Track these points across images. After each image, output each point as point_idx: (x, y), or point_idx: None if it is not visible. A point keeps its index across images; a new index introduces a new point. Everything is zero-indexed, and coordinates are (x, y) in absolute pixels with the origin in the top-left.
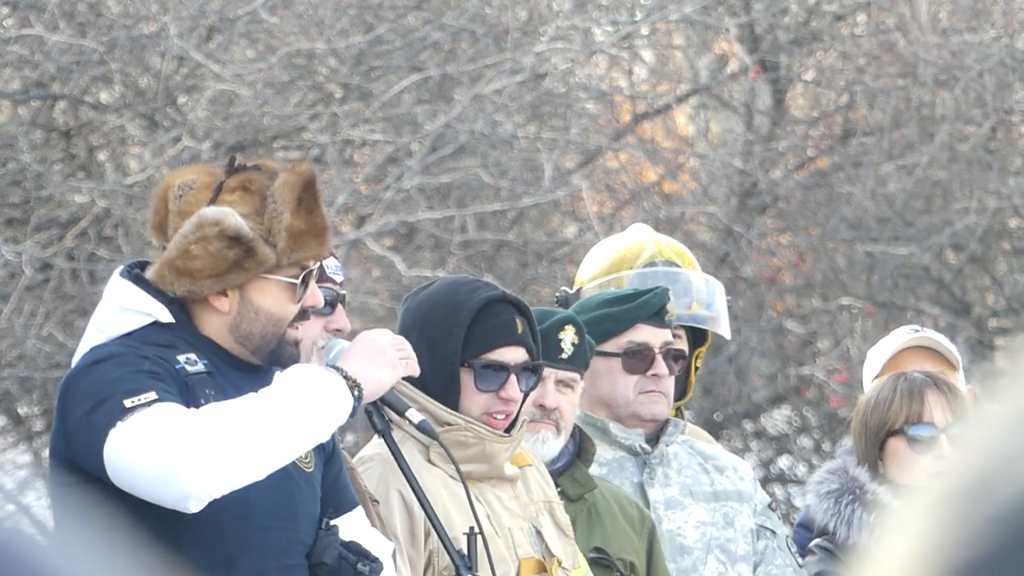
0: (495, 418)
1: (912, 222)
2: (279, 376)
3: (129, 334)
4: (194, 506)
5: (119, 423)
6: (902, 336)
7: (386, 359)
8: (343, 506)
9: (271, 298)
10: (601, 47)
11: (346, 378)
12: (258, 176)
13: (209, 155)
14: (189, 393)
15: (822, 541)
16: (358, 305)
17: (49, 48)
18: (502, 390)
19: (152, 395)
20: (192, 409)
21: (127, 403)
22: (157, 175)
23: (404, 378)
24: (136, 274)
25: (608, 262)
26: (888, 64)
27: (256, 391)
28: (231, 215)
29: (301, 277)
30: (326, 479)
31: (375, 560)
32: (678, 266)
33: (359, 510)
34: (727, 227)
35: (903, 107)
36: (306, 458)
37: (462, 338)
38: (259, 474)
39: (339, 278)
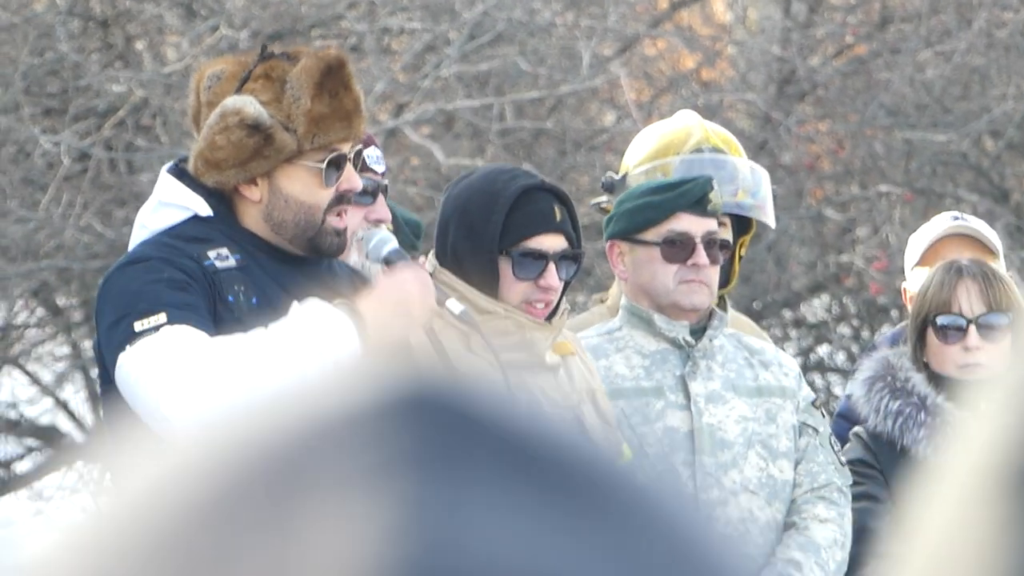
0: (535, 307)
1: (950, 109)
2: (294, 309)
3: (169, 229)
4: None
5: (128, 347)
6: (942, 223)
7: (407, 314)
8: None
9: (299, 184)
10: None
11: (360, 327)
12: (281, 63)
13: (247, 44)
14: (216, 290)
15: (858, 429)
16: (396, 194)
17: None
18: (541, 278)
19: (162, 317)
20: (199, 337)
21: (137, 326)
22: (195, 64)
23: (442, 265)
24: (181, 168)
25: (654, 148)
26: None
27: (299, 283)
28: (250, 103)
29: (327, 161)
30: None
31: None
32: (724, 153)
33: None
34: (765, 114)
35: None
36: None
37: (500, 225)
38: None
39: (380, 168)
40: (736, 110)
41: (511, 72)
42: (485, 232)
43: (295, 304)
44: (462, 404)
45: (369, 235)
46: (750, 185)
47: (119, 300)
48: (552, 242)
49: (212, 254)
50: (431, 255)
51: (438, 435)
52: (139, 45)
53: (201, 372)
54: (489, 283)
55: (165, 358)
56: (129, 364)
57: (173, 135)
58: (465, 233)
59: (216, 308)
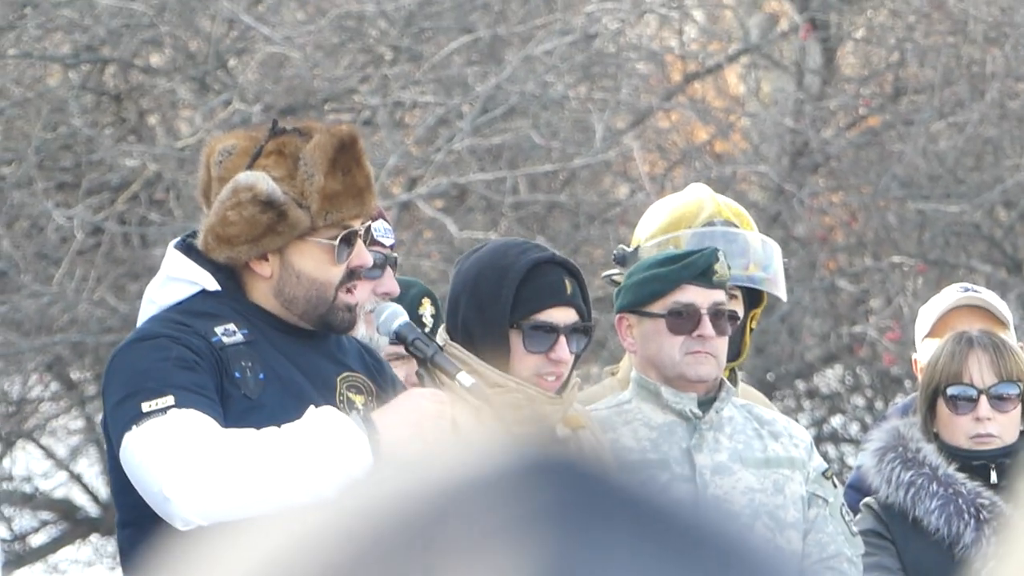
0: (546, 380)
1: (963, 180)
2: (309, 414)
3: (178, 304)
4: (181, 526)
5: (134, 427)
6: (952, 295)
7: (420, 434)
8: None
9: (311, 261)
10: (651, 7)
11: (373, 442)
12: (293, 139)
13: (260, 118)
14: (223, 367)
15: (869, 500)
16: (410, 267)
17: (99, 12)
18: (552, 351)
19: (170, 399)
20: (207, 424)
21: (144, 407)
22: (208, 138)
23: (453, 339)
24: (188, 243)
25: (666, 221)
26: (938, 21)
27: (308, 358)
28: (263, 179)
29: (340, 238)
30: None
31: None
32: (736, 226)
33: None
34: (779, 186)
35: (953, 65)
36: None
37: (511, 299)
38: (252, 513)
39: (388, 241)
40: (749, 182)
41: (524, 145)
42: (496, 305)
43: (311, 409)
44: (597, 469)
45: (380, 309)
46: (761, 258)
47: (127, 377)
48: (563, 315)
49: (219, 330)
50: (442, 329)
51: (577, 496)
52: (152, 119)
53: (206, 459)
54: (500, 356)
55: (171, 441)
56: (135, 444)
57: (187, 209)
58: (476, 307)
59: (223, 384)
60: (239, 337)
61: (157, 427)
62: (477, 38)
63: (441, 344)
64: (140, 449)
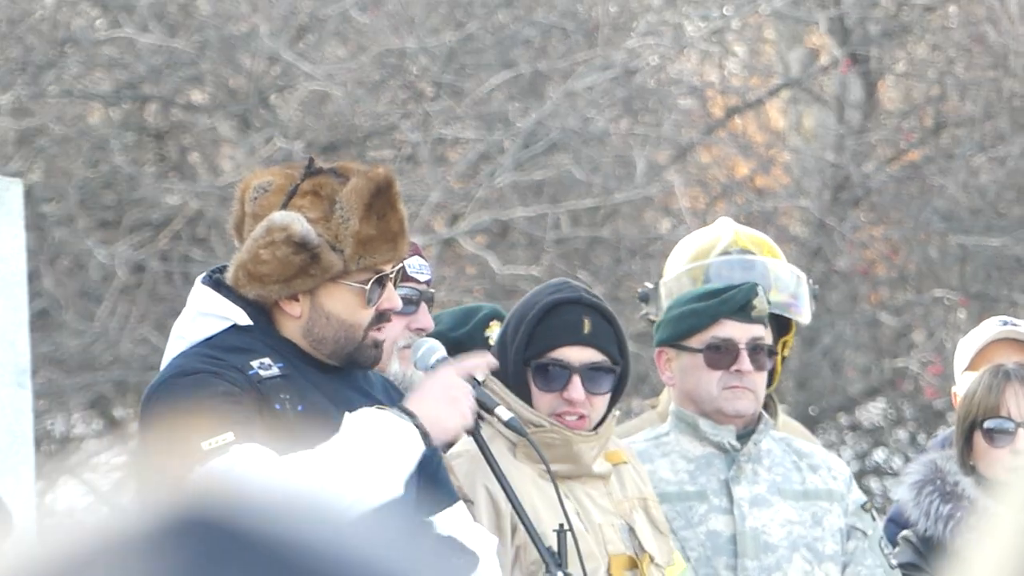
0: (564, 419)
1: (1004, 213)
2: (349, 420)
3: (209, 339)
4: None
5: (197, 467)
6: (991, 328)
7: (457, 406)
8: (441, 502)
9: (341, 303)
10: (692, 42)
11: (418, 426)
12: (330, 180)
13: (301, 155)
14: (263, 400)
15: (907, 533)
16: (452, 303)
17: (140, 49)
18: (565, 390)
19: (230, 436)
20: (269, 457)
21: (205, 445)
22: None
23: (494, 374)
24: (217, 279)
25: (687, 256)
26: (979, 55)
27: (340, 391)
28: (298, 221)
29: (371, 282)
30: (421, 477)
31: (470, 553)
32: (753, 253)
33: (459, 506)
34: (820, 220)
35: (994, 98)
36: None
37: (526, 337)
38: None
39: (423, 277)
40: (790, 216)
41: (566, 180)
42: (514, 344)
43: (347, 416)
44: (238, 525)
45: (416, 344)
46: (783, 284)
47: (174, 416)
48: (577, 354)
49: (256, 363)
50: None
51: (215, 553)
52: (194, 157)
53: (276, 492)
54: (522, 394)
55: (239, 480)
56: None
57: (229, 246)
58: (501, 345)
59: (263, 416)
60: (275, 371)
61: (222, 466)
62: (518, 74)
63: (482, 379)
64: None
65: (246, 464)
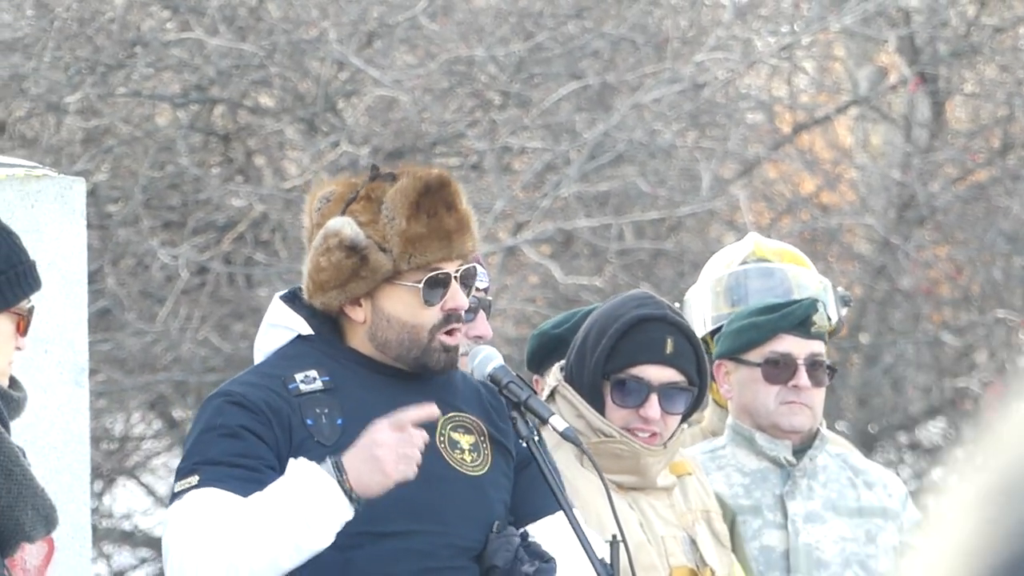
0: (636, 435)
1: None
2: (289, 468)
3: (277, 351)
4: None
5: (172, 503)
6: None
7: (379, 464)
8: (539, 511)
9: (401, 304)
10: (761, 57)
11: (343, 484)
12: (383, 184)
13: (367, 161)
14: (295, 414)
15: None
16: (514, 312)
17: (209, 52)
18: (641, 408)
19: (194, 479)
20: (214, 504)
21: (177, 486)
22: (315, 180)
23: (568, 382)
24: (294, 292)
25: (709, 271)
26: None
27: (408, 397)
28: (348, 224)
29: (425, 280)
30: (519, 484)
31: (547, 560)
32: (770, 262)
33: (559, 515)
34: (885, 239)
35: None
36: (473, 460)
37: (608, 351)
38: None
39: (483, 284)
40: (855, 234)
41: (631, 192)
42: (594, 355)
43: (291, 463)
44: None
45: (475, 352)
46: (807, 291)
47: (189, 438)
48: (658, 373)
49: (299, 376)
50: (556, 368)
51: None
52: (259, 160)
53: (204, 545)
54: (596, 406)
55: (185, 528)
56: (166, 523)
57: (292, 250)
58: (580, 353)
59: (293, 434)
60: (318, 384)
61: (178, 511)
62: (586, 85)
63: (554, 384)
64: (166, 530)
65: (196, 511)
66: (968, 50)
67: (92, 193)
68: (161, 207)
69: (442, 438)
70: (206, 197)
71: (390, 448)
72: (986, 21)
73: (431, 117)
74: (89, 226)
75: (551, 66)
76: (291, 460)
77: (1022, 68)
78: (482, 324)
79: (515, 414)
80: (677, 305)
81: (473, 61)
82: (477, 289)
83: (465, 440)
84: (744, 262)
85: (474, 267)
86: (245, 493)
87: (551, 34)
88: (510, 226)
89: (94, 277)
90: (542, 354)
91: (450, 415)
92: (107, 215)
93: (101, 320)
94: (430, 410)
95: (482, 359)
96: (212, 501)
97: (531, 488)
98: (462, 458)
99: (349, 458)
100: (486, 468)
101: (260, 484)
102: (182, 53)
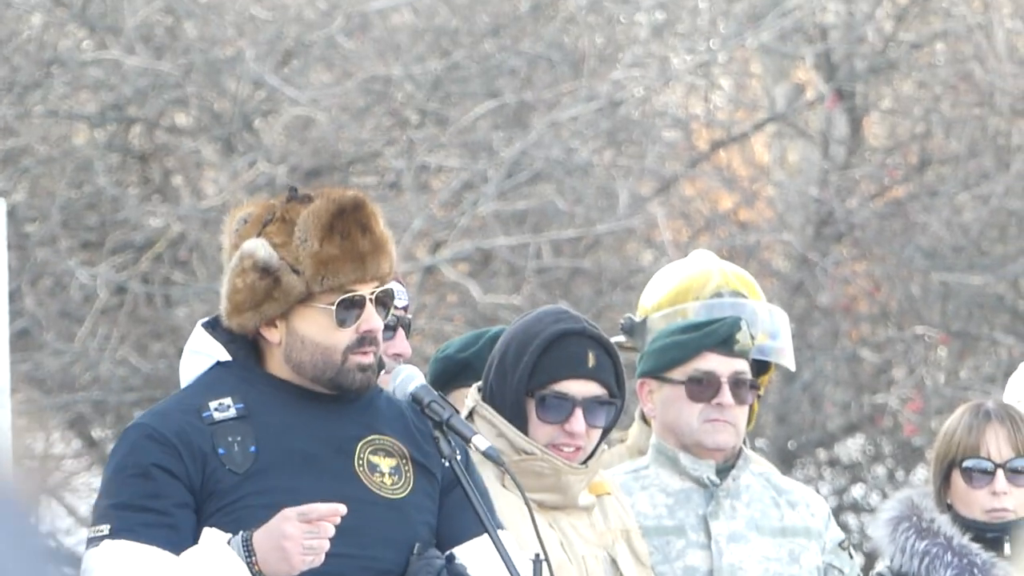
0: (562, 450)
1: (987, 251)
2: (203, 540)
3: (196, 379)
4: None
5: (88, 548)
6: None
7: (284, 555)
8: (465, 534)
9: (315, 325)
10: (678, 74)
11: (251, 565)
12: (298, 206)
13: (284, 180)
14: (207, 443)
15: (882, 568)
16: (432, 331)
17: (126, 71)
18: (566, 423)
19: (106, 529)
20: (128, 559)
21: (89, 532)
22: (232, 199)
23: (487, 402)
24: (216, 318)
25: (673, 291)
26: (965, 93)
27: (326, 421)
28: (262, 246)
29: (338, 302)
30: (444, 507)
31: None
32: (744, 296)
33: (484, 537)
34: (802, 255)
35: (979, 136)
36: (394, 483)
37: (530, 367)
38: None
39: (401, 303)
40: (773, 251)
41: (548, 210)
42: (516, 372)
43: (205, 532)
44: None
45: (396, 371)
46: (769, 327)
47: (105, 471)
48: (581, 388)
49: (213, 404)
50: (473, 389)
51: None
52: (177, 180)
53: None
54: (518, 424)
55: None
56: (82, 572)
57: (210, 269)
58: (500, 371)
59: (207, 463)
60: (232, 412)
61: (90, 560)
62: (503, 103)
63: (472, 405)
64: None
65: (105, 567)
66: (885, 66)
67: (10, 213)
68: (79, 227)
69: (360, 462)
70: (124, 217)
71: (295, 541)
72: (903, 37)
73: (348, 136)
74: (7, 246)
75: (468, 84)
76: (204, 530)
77: (939, 84)
78: (401, 342)
79: (437, 434)
80: (628, 320)
81: (390, 80)
82: (396, 308)
83: (385, 463)
84: (719, 294)
85: (391, 289)
86: (155, 540)
87: (468, 52)
88: (428, 244)
89: (12, 297)
90: (445, 378)
91: (369, 438)
92: (25, 235)
93: (20, 340)
94: (335, 509)
95: (404, 379)
96: (123, 564)
97: (457, 510)
98: (382, 481)
99: (259, 540)
100: (408, 491)
101: (171, 528)
102: (99, 72)
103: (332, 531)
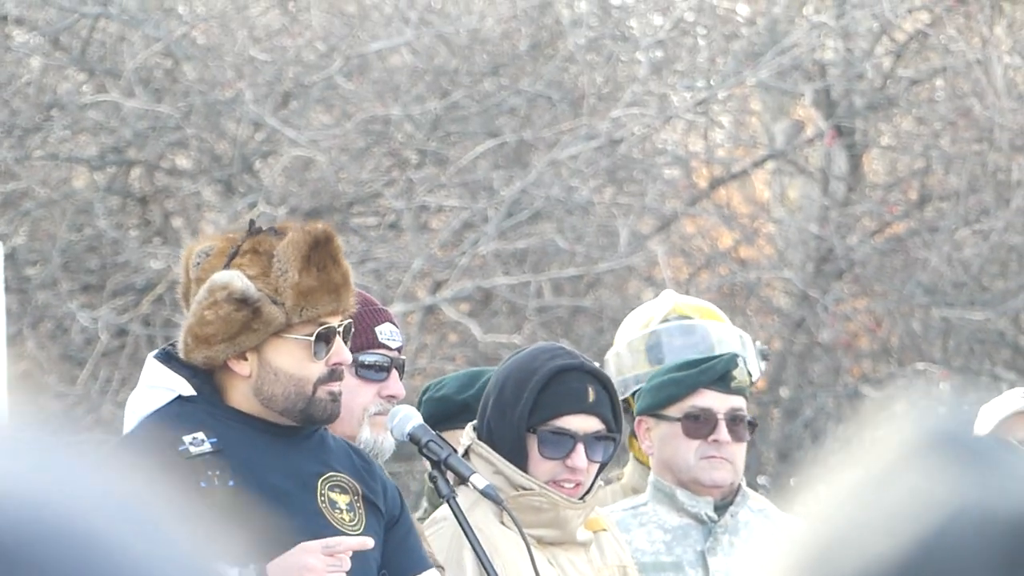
0: (563, 486)
1: (988, 287)
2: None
3: (155, 412)
4: None
5: None
6: (1015, 400)
7: None
8: (410, 568)
9: (289, 357)
10: (677, 112)
11: None
12: (268, 238)
13: (285, 221)
14: (188, 479)
15: None
16: (434, 371)
17: (125, 114)
18: (568, 458)
19: None
20: None
21: None
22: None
23: (483, 440)
24: (168, 351)
25: (629, 328)
26: (964, 129)
27: (290, 460)
28: (237, 277)
29: (316, 334)
30: (390, 542)
31: None
32: (691, 319)
33: (431, 572)
34: (803, 292)
35: (979, 172)
36: (351, 519)
37: (531, 403)
38: None
39: (395, 343)
40: (774, 288)
41: (549, 249)
42: (515, 409)
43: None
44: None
45: (394, 411)
46: (727, 346)
47: None
48: (582, 423)
49: (188, 439)
50: (469, 427)
51: None
52: (177, 222)
53: None
54: (518, 459)
55: None
56: None
57: None
58: (499, 409)
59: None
60: (207, 447)
61: None
62: (503, 142)
63: (468, 443)
64: None
65: None
66: (884, 103)
67: (10, 256)
68: (80, 270)
69: (323, 498)
70: (124, 259)
71: (318, 573)
72: (902, 73)
73: (348, 176)
74: (8, 289)
75: (467, 124)
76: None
77: (938, 121)
78: (395, 383)
79: (435, 472)
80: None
81: (389, 120)
82: (389, 348)
83: (342, 500)
84: (665, 319)
85: (351, 323)
86: None
87: (467, 92)
88: (428, 284)
89: (13, 340)
90: (438, 418)
91: (328, 475)
92: (25, 278)
93: (21, 383)
94: (363, 542)
95: (401, 419)
96: None
97: (402, 545)
98: (341, 518)
99: (275, 572)
100: (361, 527)
101: None
102: (98, 115)
103: (349, 565)
